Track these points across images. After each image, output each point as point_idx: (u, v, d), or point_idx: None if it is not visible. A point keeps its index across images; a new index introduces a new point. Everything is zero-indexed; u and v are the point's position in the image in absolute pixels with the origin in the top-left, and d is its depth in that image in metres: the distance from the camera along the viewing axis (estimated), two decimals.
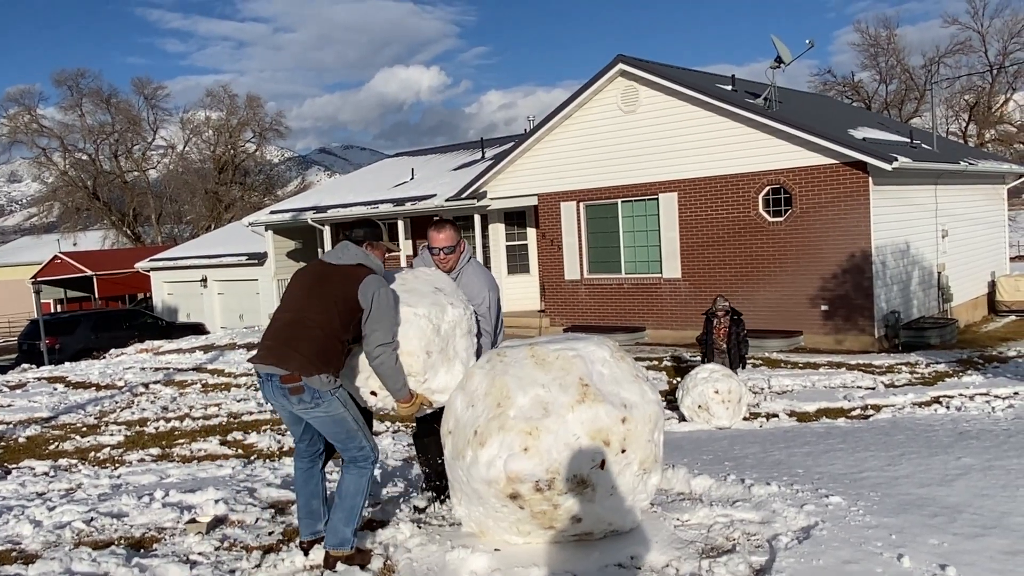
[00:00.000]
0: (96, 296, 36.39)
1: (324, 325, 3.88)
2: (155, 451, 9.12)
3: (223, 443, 9.23)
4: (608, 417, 3.80)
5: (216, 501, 5.31)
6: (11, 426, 11.00)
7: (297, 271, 4.24)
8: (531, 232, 19.32)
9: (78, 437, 10.05)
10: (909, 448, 5.33)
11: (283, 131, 45.78)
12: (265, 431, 9.66)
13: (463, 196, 18.71)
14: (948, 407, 8.69)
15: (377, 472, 5.61)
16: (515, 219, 19.61)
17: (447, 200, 18.70)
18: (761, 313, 15.31)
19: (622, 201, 17.11)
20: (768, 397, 10.23)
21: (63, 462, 8.78)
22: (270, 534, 4.65)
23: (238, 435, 9.59)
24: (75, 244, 43.68)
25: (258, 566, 4.12)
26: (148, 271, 30.42)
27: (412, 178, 21.92)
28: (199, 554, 4.37)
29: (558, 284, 18.07)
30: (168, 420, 10.83)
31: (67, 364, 18.20)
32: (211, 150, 44.87)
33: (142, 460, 8.72)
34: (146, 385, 14.04)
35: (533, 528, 3.88)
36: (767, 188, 15.27)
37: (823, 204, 14.60)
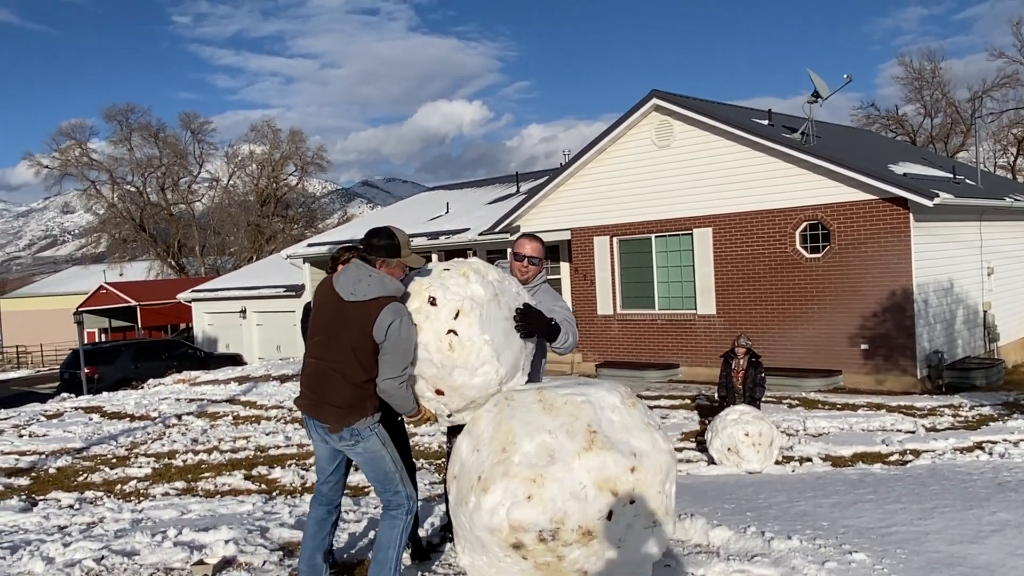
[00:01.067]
0: (139, 326, 37.04)
1: (349, 374, 3.83)
2: (180, 484, 9.12)
3: (247, 477, 9.20)
4: (616, 466, 3.66)
5: (227, 541, 5.24)
6: (43, 456, 11.13)
7: (316, 298, 4.05)
8: (564, 267, 19.22)
9: (107, 469, 10.11)
10: (943, 500, 5.08)
11: (324, 164, 46.63)
12: (290, 466, 9.62)
13: (496, 230, 18.71)
14: (991, 453, 8.33)
15: None
16: (549, 253, 19.52)
17: (480, 234, 18.72)
18: (799, 351, 14.98)
19: (656, 236, 16.95)
20: (803, 440, 9.93)
21: (89, 494, 8.82)
22: None
23: (263, 470, 9.56)
24: (121, 274, 44.60)
25: None
26: (190, 302, 30.90)
27: (447, 212, 22.02)
28: None
29: (591, 319, 17.91)
30: (196, 453, 10.86)
31: (105, 394, 18.45)
32: (254, 183, 45.70)
33: (166, 494, 8.72)
34: (179, 416, 14.13)
35: None
36: (804, 224, 15.01)
37: (862, 240, 14.29)
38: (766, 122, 16.92)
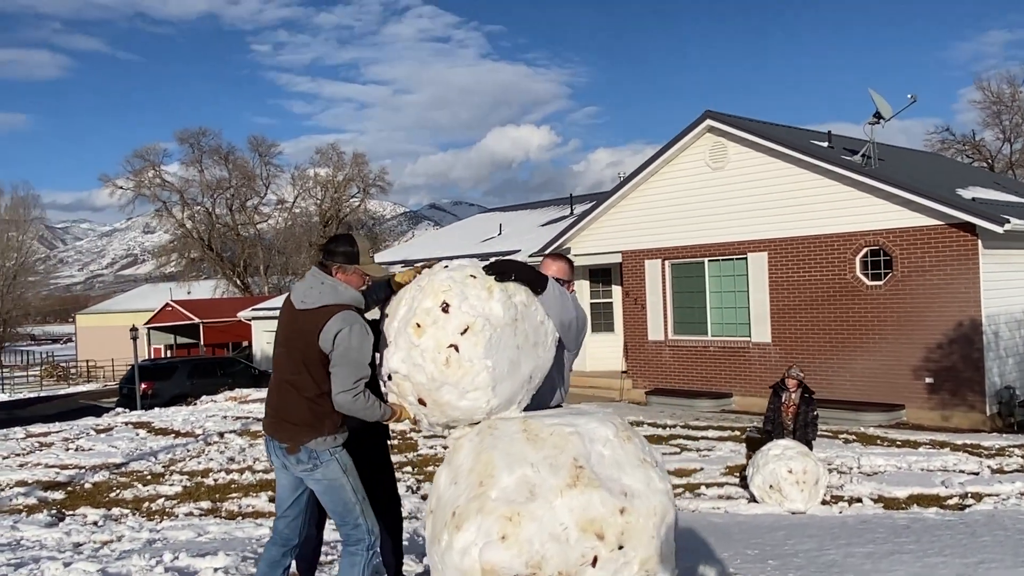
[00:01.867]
0: (202, 343, 37.79)
1: (303, 388, 3.60)
2: (206, 504, 9.03)
3: (272, 499, 9.03)
4: (604, 506, 3.30)
5: (216, 569, 5.04)
6: (83, 471, 11.21)
7: (281, 309, 3.85)
8: (616, 290, 18.80)
9: (140, 485, 10.09)
10: (992, 554, 4.55)
11: (385, 186, 47.18)
12: None
13: (546, 252, 18.42)
14: None
15: None
16: (600, 276, 19.15)
17: (530, 256, 18.46)
18: (858, 384, 14.25)
19: (709, 260, 16.42)
20: (855, 479, 9.30)
21: (116, 511, 8.79)
22: None
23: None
24: (189, 292, 45.71)
25: None
26: (249, 320, 31.35)
27: (500, 233, 21.85)
28: None
29: (641, 345, 17.42)
30: (229, 472, 10.78)
31: (156, 410, 18.69)
32: (318, 205, 46.49)
33: (189, 514, 8.62)
34: (221, 434, 14.14)
35: None
36: (865, 250, 14.32)
37: (927, 268, 13.55)
38: (826, 144, 16.29)
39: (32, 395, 33.20)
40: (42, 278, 76.11)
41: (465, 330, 3.48)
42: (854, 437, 12.08)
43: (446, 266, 3.67)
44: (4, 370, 48.56)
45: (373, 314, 3.97)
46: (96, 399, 28.67)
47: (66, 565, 5.54)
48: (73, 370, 43.08)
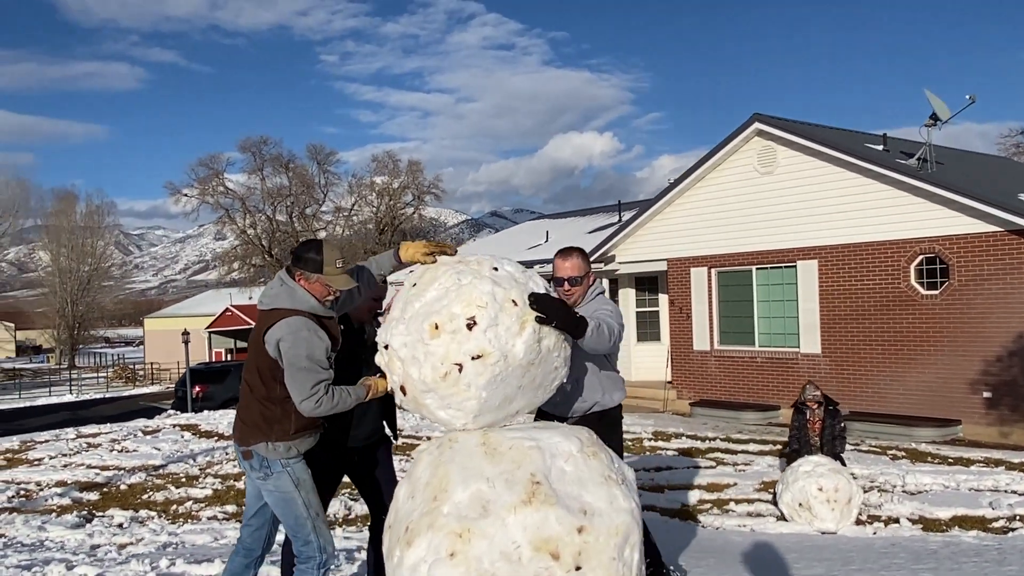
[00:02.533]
0: None
1: (255, 388, 3.55)
2: (231, 508, 9.05)
3: None
4: (560, 524, 3.11)
5: None
6: (122, 472, 11.39)
7: None
8: (662, 298, 18.43)
9: (173, 488, 10.19)
10: None
11: (439, 194, 47.50)
12: (341, 494, 9.38)
13: (591, 259, 18.16)
14: None
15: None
16: (646, 284, 18.81)
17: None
18: (911, 397, 13.64)
19: (757, 268, 15.95)
20: (896, 497, 8.83)
21: (143, 513, 8.87)
22: None
23: None
24: (250, 298, 46.67)
25: None
26: None
27: (546, 240, 21.67)
28: None
29: (686, 355, 17.02)
30: None
31: (206, 413, 19.01)
32: (374, 212, 47.04)
33: (213, 518, 8.65)
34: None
35: None
36: (920, 257, 13.71)
37: (986, 276, 12.89)
38: (881, 147, 15.69)
39: (98, 396, 34.26)
40: (117, 283, 78.89)
41: (478, 356, 3.29)
42: (903, 453, 11.54)
43: (495, 268, 3.46)
44: (76, 371, 50.38)
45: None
46: (157, 401, 29.41)
47: (69, 568, 5.59)
48: (140, 372, 44.37)
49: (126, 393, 35.50)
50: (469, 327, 3.28)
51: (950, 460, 11.05)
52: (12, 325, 75.82)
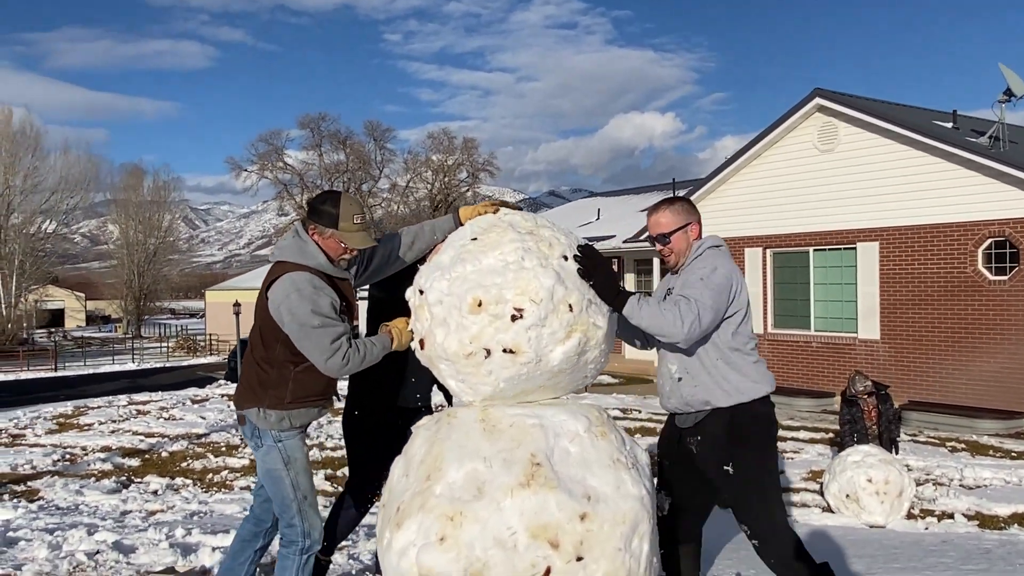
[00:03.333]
0: None
1: (255, 347, 3.30)
2: None
3: (328, 478, 8.96)
4: (560, 510, 2.87)
5: (214, 549, 4.89)
6: (165, 440, 11.52)
7: None
8: None
9: (212, 457, 10.25)
10: None
11: (494, 171, 47.25)
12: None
13: (642, 237, 17.75)
14: None
15: None
16: None
17: (625, 241, 17.89)
18: (975, 387, 12.99)
19: (814, 249, 15.36)
20: (953, 492, 8.36)
21: (179, 481, 8.91)
22: None
23: (347, 470, 9.29)
24: None
25: None
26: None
27: (597, 218, 21.29)
28: None
29: None
30: None
31: None
32: (428, 189, 47.06)
33: (247, 487, 8.62)
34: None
35: None
36: (989, 241, 13.00)
37: None
38: (950, 125, 14.91)
39: (158, 365, 35.15)
40: (183, 256, 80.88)
41: (511, 351, 3.04)
42: (963, 446, 10.98)
43: (565, 257, 3.12)
44: (142, 341, 51.81)
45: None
46: (212, 371, 29.97)
47: (90, 533, 5.55)
48: (201, 343, 45.36)
49: (185, 363, 36.32)
50: (513, 319, 3.01)
51: (1013, 454, 10.48)
52: (83, 295, 78.32)
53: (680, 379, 3.38)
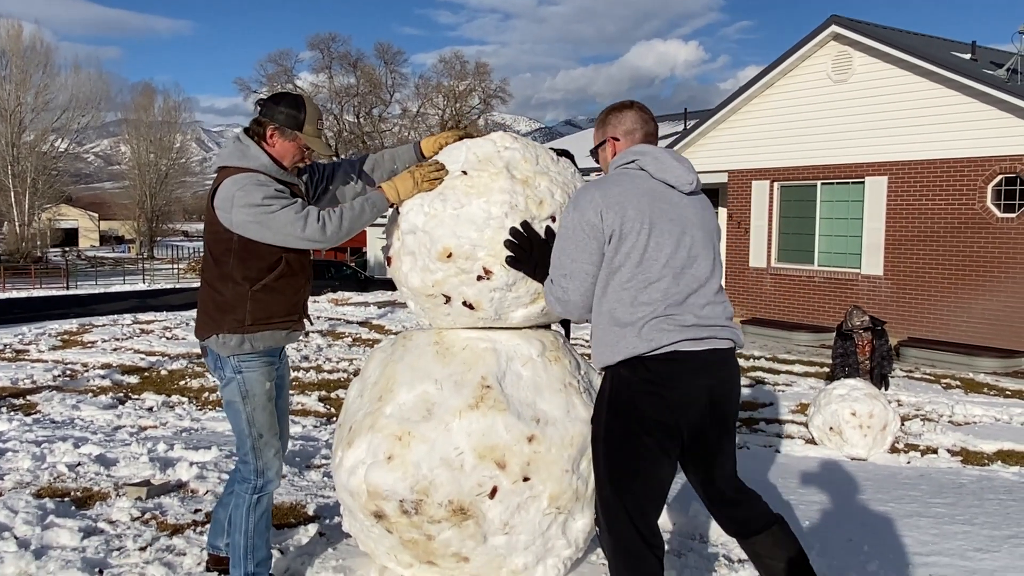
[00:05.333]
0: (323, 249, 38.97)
1: (205, 269, 3.07)
2: None
3: (323, 399, 9.07)
4: (508, 432, 2.89)
5: (192, 464, 4.96)
6: (165, 358, 11.66)
7: None
8: (723, 212, 17.73)
9: (210, 377, 10.37)
10: None
11: (506, 97, 46.37)
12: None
13: None
14: None
15: None
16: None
17: None
18: (977, 325, 12.92)
19: (822, 183, 15.12)
20: (941, 428, 8.38)
21: (175, 399, 9.02)
22: (195, 512, 4.18)
23: (342, 392, 9.40)
24: None
25: (143, 549, 3.65)
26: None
27: None
28: (110, 522, 4.00)
29: (741, 271, 16.43)
30: (298, 369, 10.93)
31: None
32: (439, 115, 46.42)
33: None
34: (306, 333, 14.44)
35: (412, 560, 3.06)
36: (999, 177, 12.74)
37: None
38: (968, 56, 14.47)
39: (168, 286, 35.41)
40: (197, 179, 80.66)
41: (471, 306, 3.02)
42: (958, 383, 10.97)
43: (553, 218, 2.97)
44: (154, 262, 52.17)
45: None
46: None
47: (75, 446, 5.65)
48: None
49: (194, 285, 36.54)
50: (480, 278, 2.95)
51: (1008, 392, 10.46)
52: (96, 215, 78.65)
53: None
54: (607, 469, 2.62)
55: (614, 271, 2.57)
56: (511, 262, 2.90)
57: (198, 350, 11.98)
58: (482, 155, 3.06)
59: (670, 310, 2.56)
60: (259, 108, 3.07)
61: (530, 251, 2.88)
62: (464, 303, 3.01)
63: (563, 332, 3.37)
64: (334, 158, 3.27)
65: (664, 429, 2.55)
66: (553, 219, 2.98)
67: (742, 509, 2.75)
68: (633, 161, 2.69)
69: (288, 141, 3.00)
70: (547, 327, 3.29)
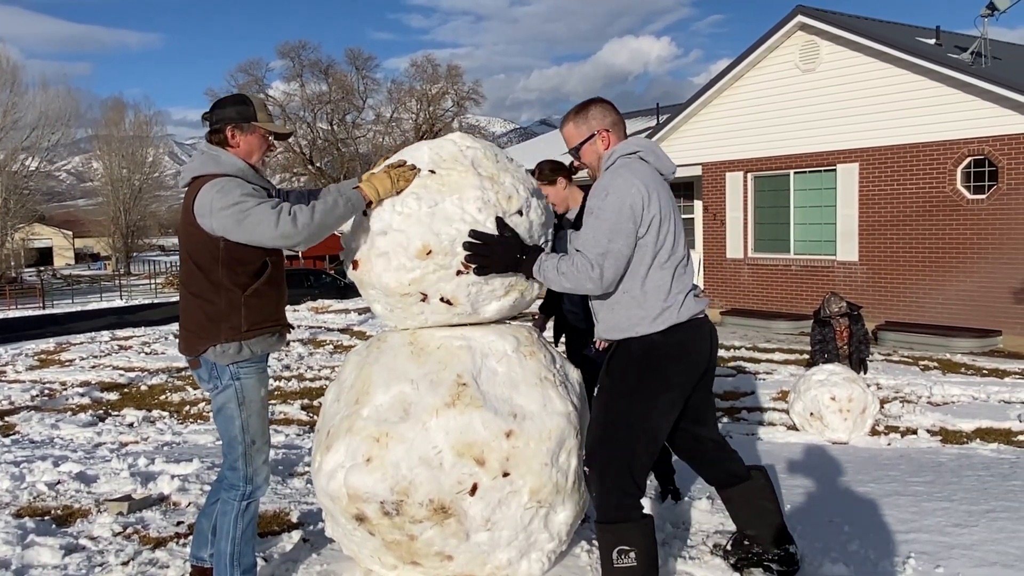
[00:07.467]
0: (301, 256, 38.79)
1: (193, 280, 3.03)
2: None
3: (305, 408, 9.02)
4: (486, 428, 2.90)
5: (173, 477, 4.93)
6: (145, 374, 11.55)
7: None
8: (697, 205, 17.84)
9: (191, 389, 10.28)
10: (1013, 502, 3.87)
11: (479, 100, 46.37)
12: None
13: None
14: None
15: None
16: (680, 191, 18.18)
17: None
18: (951, 307, 13.08)
19: (795, 172, 15.25)
20: (920, 409, 8.47)
21: (156, 413, 8.95)
22: (178, 524, 4.16)
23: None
24: None
25: (126, 564, 3.62)
26: (342, 233, 31.82)
27: None
28: (91, 538, 3.97)
29: (719, 263, 16.54)
30: (279, 379, 10.88)
31: None
32: (413, 119, 46.32)
33: None
34: (288, 342, 14.37)
35: (396, 562, 3.07)
36: (968, 159, 12.91)
37: None
38: (933, 41, 14.65)
39: (146, 302, 35.09)
40: (172, 193, 79.97)
41: (448, 302, 3.07)
42: (935, 364, 11.09)
43: (520, 212, 3.08)
44: (131, 278, 51.70)
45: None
46: None
47: (55, 465, 5.60)
48: None
49: (173, 299, 36.24)
50: (459, 273, 3.00)
51: (984, 371, 10.61)
52: (71, 233, 77.81)
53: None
54: (626, 424, 2.87)
55: (657, 251, 2.87)
56: (479, 272, 2.97)
57: (178, 364, 12.05)
58: (447, 154, 3.12)
59: (693, 284, 3.04)
60: (209, 119, 3.11)
61: (491, 252, 2.94)
62: (442, 299, 3.02)
63: (537, 327, 3.39)
64: (293, 132, 3.27)
65: (681, 389, 2.93)
66: (520, 213, 3.02)
67: (725, 460, 3.18)
68: (635, 152, 2.99)
69: (249, 134, 3.06)
70: (518, 321, 3.32)
